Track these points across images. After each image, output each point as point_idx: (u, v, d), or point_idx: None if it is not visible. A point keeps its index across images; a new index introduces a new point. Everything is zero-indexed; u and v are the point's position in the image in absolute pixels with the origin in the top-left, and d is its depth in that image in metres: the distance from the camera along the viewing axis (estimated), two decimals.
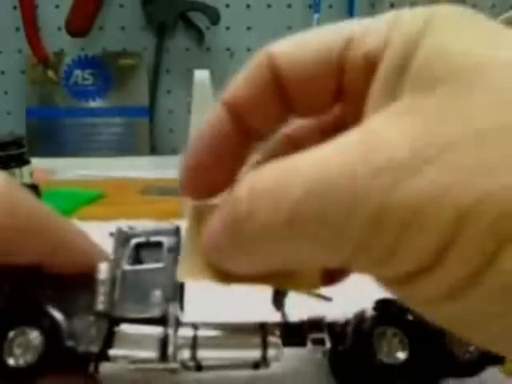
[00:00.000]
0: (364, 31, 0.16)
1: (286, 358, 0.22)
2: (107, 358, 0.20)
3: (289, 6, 0.97)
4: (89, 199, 0.63)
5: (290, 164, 0.13)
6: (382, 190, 0.12)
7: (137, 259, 0.23)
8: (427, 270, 0.12)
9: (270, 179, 0.13)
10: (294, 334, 0.22)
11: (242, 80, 0.17)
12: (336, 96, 0.17)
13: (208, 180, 0.18)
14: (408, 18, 0.15)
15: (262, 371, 0.21)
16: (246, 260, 0.15)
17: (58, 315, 0.21)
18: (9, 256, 0.20)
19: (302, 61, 0.16)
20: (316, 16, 0.93)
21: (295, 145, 0.19)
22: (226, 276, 0.16)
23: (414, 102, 0.13)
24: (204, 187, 0.18)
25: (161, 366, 0.20)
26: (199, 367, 0.21)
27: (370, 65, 0.15)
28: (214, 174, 0.17)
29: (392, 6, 0.94)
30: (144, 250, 0.23)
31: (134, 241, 0.24)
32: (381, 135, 0.13)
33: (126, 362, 0.20)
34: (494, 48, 0.13)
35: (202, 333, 0.20)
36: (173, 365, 0.20)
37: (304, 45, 0.16)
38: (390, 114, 0.13)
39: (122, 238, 0.24)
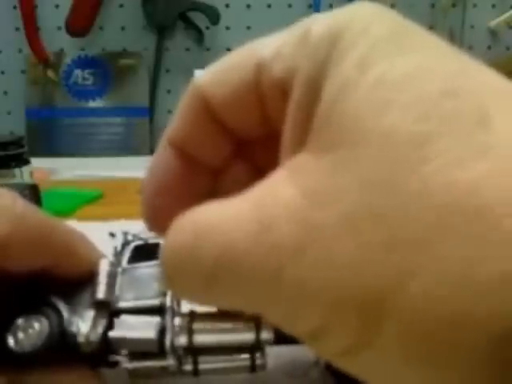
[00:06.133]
0: (273, 54, 0.14)
1: (283, 355, 0.22)
2: (108, 343, 0.21)
3: (289, 5, 0.97)
4: (88, 199, 0.63)
5: (200, 228, 0.14)
6: (271, 270, 0.12)
7: (136, 259, 0.24)
8: (317, 336, 0.12)
9: (186, 244, 0.14)
10: None
11: (179, 116, 0.17)
12: (265, 122, 0.16)
13: (171, 219, 0.16)
14: (316, 35, 0.14)
15: (258, 370, 0.22)
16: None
17: (59, 304, 0.22)
18: (18, 265, 0.21)
19: (222, 91, 0.15)
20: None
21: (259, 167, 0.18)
22: None
23: (311, 161, 0.13)
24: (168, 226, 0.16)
25: (159, 363, 0.21)
26: (196, 371, 0.21)
27: (284, 94, 0.14)
28: (175, 212, 0.15)
29: (393, 6, 0.94)
30: (143, 251, 0.25)
31: (133, 244, 0.25)
32: (273, 203, 0.13)
33: (126, 360, 0.21)
34: (379, 114, 0.12)
35: (197, 320, 0.21)
36: (170, 361, 0.21)
37: (224, 72, 0.16)
38: (289, 173, 0.13)
39: (122, 241, 0.25)
